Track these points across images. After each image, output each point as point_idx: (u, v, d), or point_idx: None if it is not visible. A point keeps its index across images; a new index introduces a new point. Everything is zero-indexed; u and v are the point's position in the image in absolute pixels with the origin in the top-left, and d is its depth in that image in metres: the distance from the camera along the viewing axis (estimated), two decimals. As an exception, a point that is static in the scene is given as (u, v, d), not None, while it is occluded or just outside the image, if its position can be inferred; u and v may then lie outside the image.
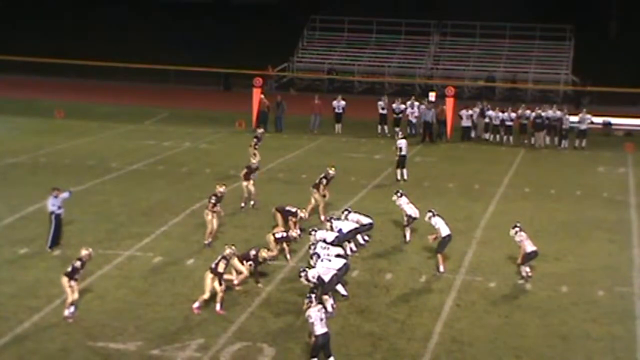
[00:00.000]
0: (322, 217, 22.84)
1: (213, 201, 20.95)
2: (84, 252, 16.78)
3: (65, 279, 16.39)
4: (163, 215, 23.46)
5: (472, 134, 37.83)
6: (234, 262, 17.94)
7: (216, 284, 16.86)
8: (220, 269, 17.04)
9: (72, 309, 16.33)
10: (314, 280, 16.89)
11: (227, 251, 17.54)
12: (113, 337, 15.54)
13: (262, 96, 38.97)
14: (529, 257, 19.16)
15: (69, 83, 51.56)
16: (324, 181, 23.62)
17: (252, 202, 24.47)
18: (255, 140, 28.62)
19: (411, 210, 21.56)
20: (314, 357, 14.60)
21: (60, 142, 33.99)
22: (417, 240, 21.53)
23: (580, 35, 53.97)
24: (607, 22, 57.94)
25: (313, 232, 19.59)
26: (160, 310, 16.90)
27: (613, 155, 35.05)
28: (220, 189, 21.47)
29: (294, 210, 21.51)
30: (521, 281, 19.06)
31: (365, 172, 29.96)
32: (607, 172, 31.93)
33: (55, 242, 20.29)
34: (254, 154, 27.19)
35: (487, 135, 37.71)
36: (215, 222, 20.98)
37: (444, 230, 19.61)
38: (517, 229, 19.45)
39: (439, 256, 19.62)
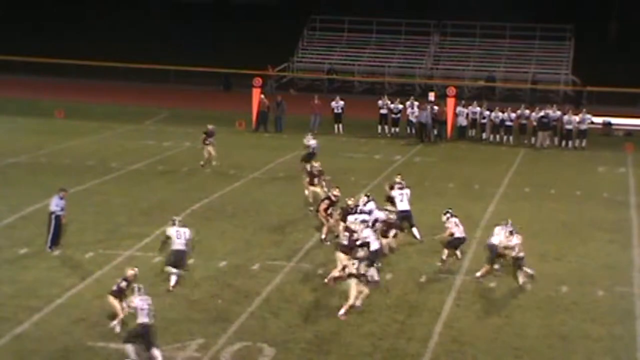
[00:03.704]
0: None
1: (325, 205, 21.12)
2: (130, 272, 16.25)
3: (111, 298, 15.92)
4: (163, 215, 23.40)
5: (470, 133, 37.98)
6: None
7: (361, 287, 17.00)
8: (358, 270, 17.09)
9: (117, 327, 15.78)
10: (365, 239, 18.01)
11: (361, 253, 17.77)
12: (113, 337, 15.52)
13: (262, 96, 39.00)
14: (457, 242, 19.78)
15: (69, 83, 51.54)
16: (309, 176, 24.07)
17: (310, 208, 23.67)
18: (204, 135, 29.56)
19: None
20: (127, 342, 14.45)
21: (60, 142, 33.99)
22: (417, 240, 21.53)
23: (580, 35, 53.99)
24: (607, 22, 57.96)
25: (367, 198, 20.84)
26: (161, 310, 16.86)
27: (613, 155, 35.08)
28: (335, 192, 21.54)
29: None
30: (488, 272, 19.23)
31: (365, 172, 29.96)
32: (607, 172, 31.95)
33: (55, 243, 20.27)
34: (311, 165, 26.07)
35: (484, 135, 37.77)
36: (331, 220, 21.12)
37: (459, 233, 19.97)
38: (448, 214, 20.07)
39: (446, 250, 19.92)
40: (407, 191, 21.99)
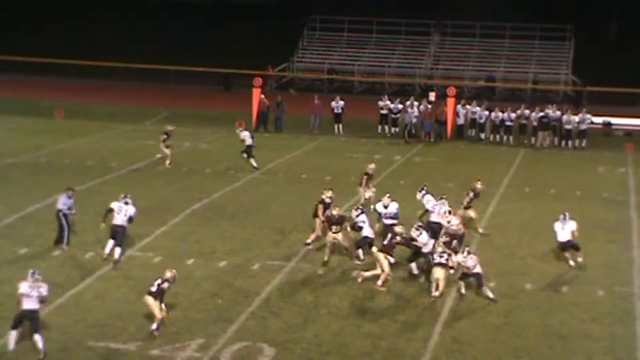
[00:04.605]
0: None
1: (322, 210, 20.64)
2: (169, 274, 16.25)
3: (150, 299, 15.93)
4: (163, 215, 23.46)
5: (470, 133, 38.00)
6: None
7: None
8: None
9: (154, 325, 15.86)
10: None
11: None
12: (113, 337, 15.54)
13: (262, 96, 39.00)
14: (462, 238, 20.28)
15: (69, 83, 51.55)
16: (365, 177, 23.99)
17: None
18: (164, 136, 30.20)
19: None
20: (13, 328, 14.84)
21: (60, 142, 33.99)
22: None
23: (580, 35, 53.99)
24: (607, 22, 57.95)
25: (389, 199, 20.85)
26: (160, 310, 16.89)
27: (613, 155, 35.08)
28: (328, 194, 21.40)
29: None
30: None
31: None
32: (607, 172, 31.95)
33: (61, 241, 20.27)
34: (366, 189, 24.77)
35: (482, 135, 37.78)
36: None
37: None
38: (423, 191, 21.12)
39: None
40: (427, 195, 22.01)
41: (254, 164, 29.48)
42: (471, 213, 22.53)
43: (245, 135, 29.76)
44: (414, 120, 37.41)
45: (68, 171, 28.82)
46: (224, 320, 16.47)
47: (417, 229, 19.28)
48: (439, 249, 18.32)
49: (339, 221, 19.85)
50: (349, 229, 20.12)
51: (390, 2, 58.84)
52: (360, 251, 20.21)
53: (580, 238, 22.59)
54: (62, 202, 20.27)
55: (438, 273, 17.62)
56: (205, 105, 45.96)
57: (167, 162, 30.03)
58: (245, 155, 29.55)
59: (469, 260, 18.16)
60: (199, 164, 30.69)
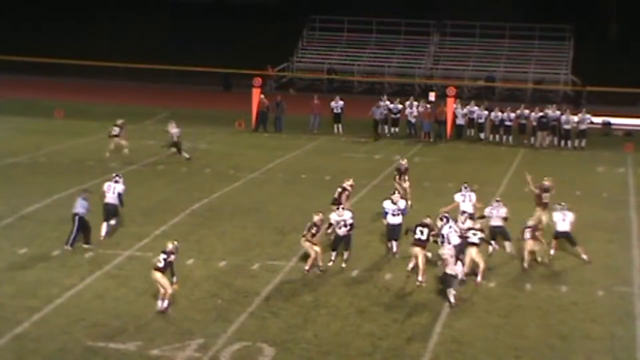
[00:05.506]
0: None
1: (313, 231, 19.23)
2: (170, 246, 16.74)
3: (158, 275, 16.50)
4: (163, 215, 23.46)
5: (469, 133, 38.01)
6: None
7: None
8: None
9: (165, 303, 16.59)
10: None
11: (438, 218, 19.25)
12: (113, 337, 15.54)
13: (262, 96, 39.00)
14: None
15: (68, 83, 51.54)
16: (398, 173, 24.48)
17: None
18: (117, 129, 31.11)
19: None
20: None
21: (60, 142, 33.99)
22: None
23: (580, 35, 54.00)
24: (607, 22, 57.96)
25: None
26: (160, 310, 16.91)
27: (613, 155, 35.07)
28: (349, 182, 21.63)
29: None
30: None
31: (365, 172, 29.94)
32: (607, 172, 31.94)
33: (88, 241, 20.39)
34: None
35: (482, 135, 37.78)
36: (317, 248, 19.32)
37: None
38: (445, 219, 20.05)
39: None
40: (470, 194, 22.16)
41: (185, 154, 30.68)
42: (543, 216, 21.90)
43: (175, 131, 30.59)
44: (414, 120, 37.44)
45: (68, 171, 28.82)
46: (224, 320, 16.48)
47: (442, 219, 19.46)
48: (471, 230, 18.75)
49: (318, 230, 19.33)
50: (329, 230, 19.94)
51: (390, 2, 58.80)
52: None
53: (580, 238, 22.64)
54: (80, 205, 20.42)
55: (472, 253, 18.27)
56: (205, 105, 45.96)
57: (125, 151, 31.09)
58: (174, 149, 30.62)
59: (446, 250, 18.17)
60: (199, 164, 30.69)
